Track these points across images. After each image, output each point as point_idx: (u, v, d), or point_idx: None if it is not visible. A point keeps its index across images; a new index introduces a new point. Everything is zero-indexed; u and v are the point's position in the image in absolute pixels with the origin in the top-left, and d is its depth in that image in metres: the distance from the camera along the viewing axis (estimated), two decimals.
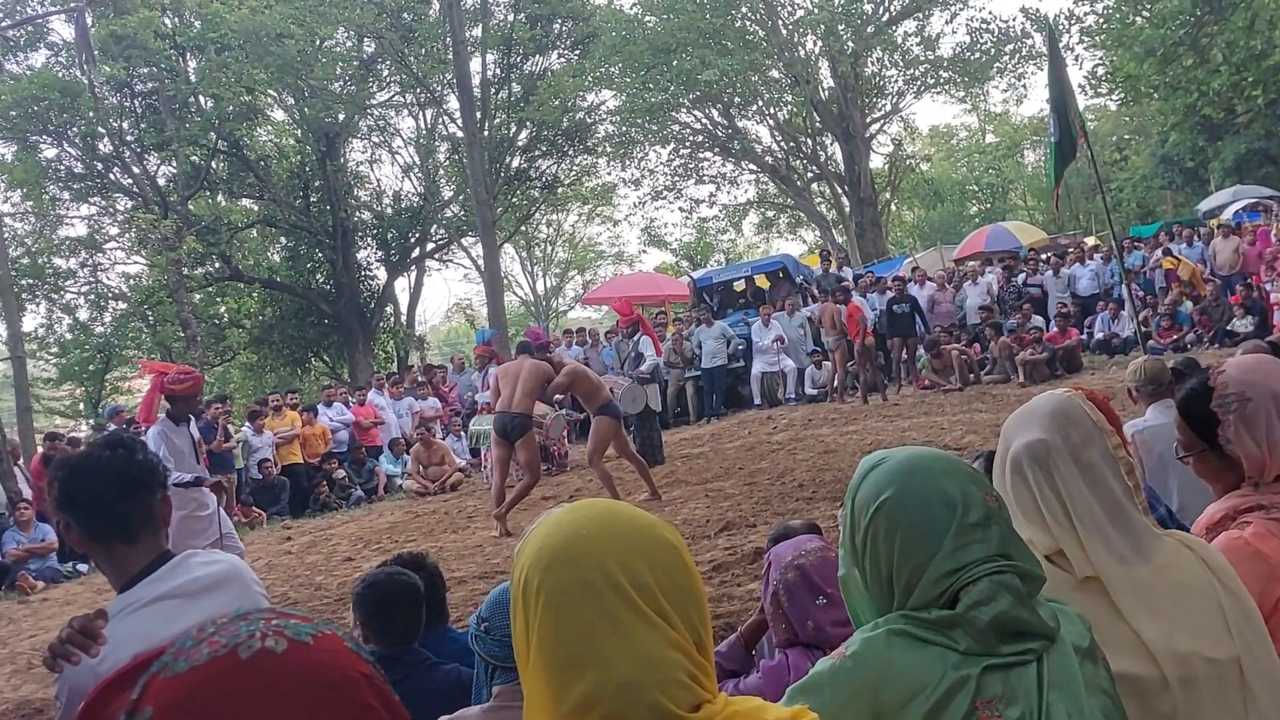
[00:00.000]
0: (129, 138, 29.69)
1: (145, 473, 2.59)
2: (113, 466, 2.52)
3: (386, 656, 3.59)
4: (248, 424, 17.26)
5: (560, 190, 37.62)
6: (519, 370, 11.28)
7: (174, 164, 29.70)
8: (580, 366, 12.32)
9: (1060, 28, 29.53)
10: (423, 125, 35.90)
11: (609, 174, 38.47)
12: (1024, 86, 38.51)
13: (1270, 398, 2.31)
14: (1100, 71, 32.10)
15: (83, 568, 13.83)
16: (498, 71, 33.87)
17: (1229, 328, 17.25)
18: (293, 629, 1.10)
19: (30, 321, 29.84)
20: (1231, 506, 2.33)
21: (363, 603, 3.81)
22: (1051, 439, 2.01)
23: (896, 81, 35.01)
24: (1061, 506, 1.96)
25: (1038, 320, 18.59)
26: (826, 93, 33.98)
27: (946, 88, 35.81)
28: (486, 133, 31.61)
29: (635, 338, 15.99)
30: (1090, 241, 25.21)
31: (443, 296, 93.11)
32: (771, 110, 35.46)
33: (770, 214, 44.54)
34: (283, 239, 34.34)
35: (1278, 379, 2.33)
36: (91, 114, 28.24)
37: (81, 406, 32.13)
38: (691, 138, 36.62)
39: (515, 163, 34.74)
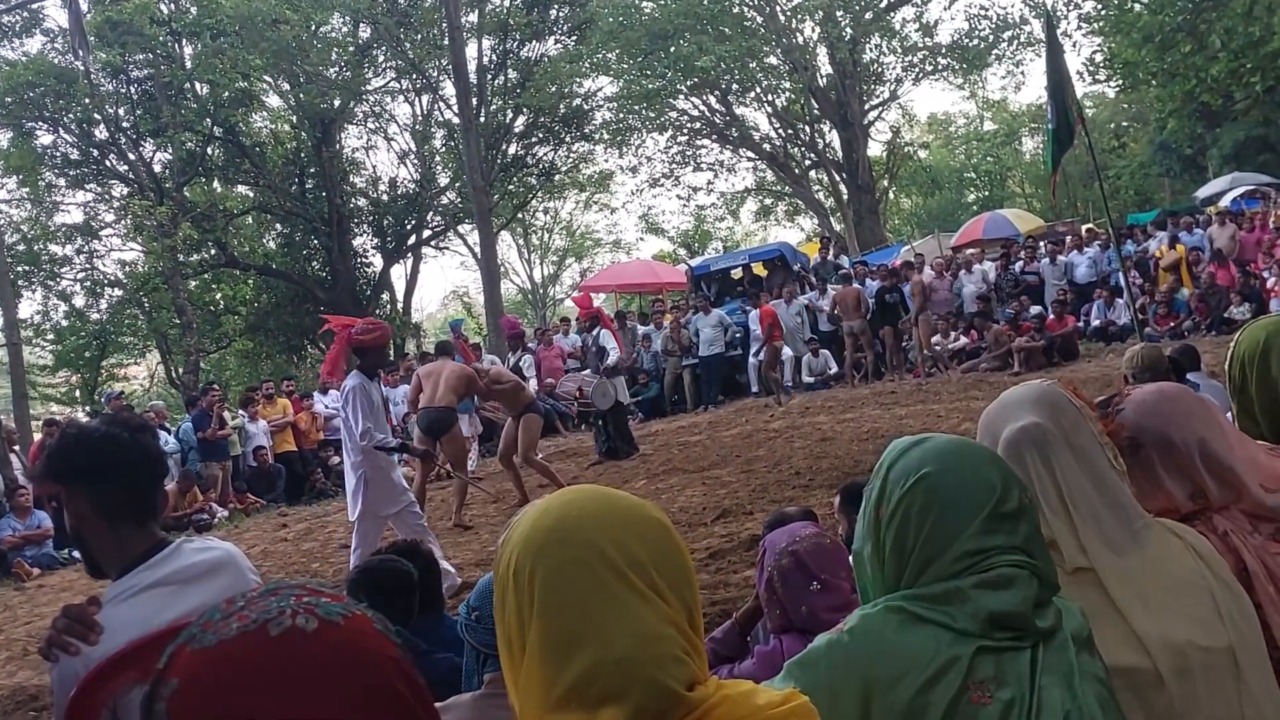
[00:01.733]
0: (125, 124, 29.69)
1: (162, 462, 2.61)
2: (139, 448, 2.51)
3: None
4: (241, 411, 17.25)
5: (557, 177, 37.52)
6: (440, 371, 11.38)
7: (169, 150, 29.73)
8: (500, 370, 12.49)
9: (1058, 14, 29.47)
10: (419, 111, 35.82)
11: (606, 161, 38.43)
12: (1022, 73, 38.48)
13: (1163, 444, 2.18)
14: (1098, 58, 32.04)
15: (79, 554, 13.83)
16: (494, 57, 33.74)
17: (1226, 315, 17.25)
18: (324, 608, 1.09)
19: (26, 308, 29.90)
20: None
21: (354, 589, 3.79)
22: (1045, 423, 1.98)
23: (894, 68, 34.94)
24: (1057, 493, 1.93)
25: (1036, 309, 18.59)
26: (824, 79, 33.90)
27: (944, 74, 35.76)
28: (483, 119, 31.50)
29: (595, 332, 15.97)
30: (1088, 228, 25.19)
31: (439, 284, 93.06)
32: (769, 97, 35.39)
33: (768, 201, 44.50)
34: (278, 225, 34.30)
35: (1173, 421, 2.19)
36: (87, 100, 28.24)
37: (78, 393, 32.11)
38: (689, 125, 36.53)
39: (512, 149, 34.63)
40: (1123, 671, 1.77)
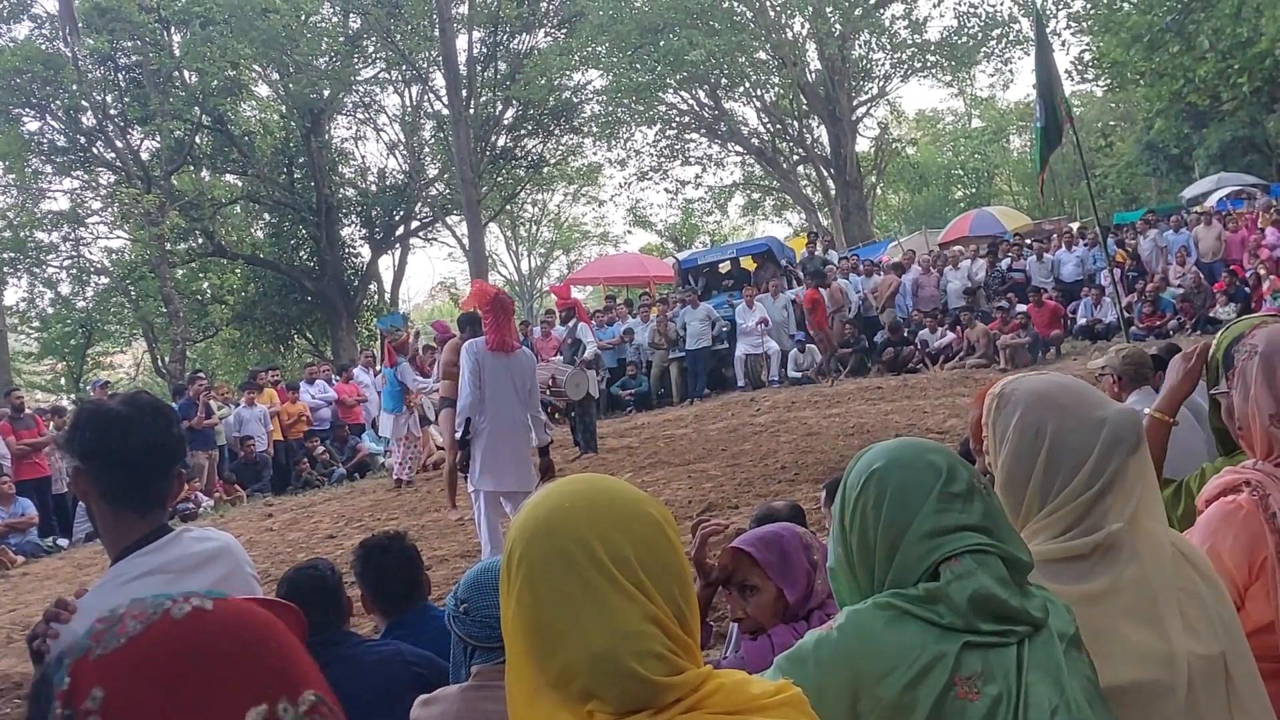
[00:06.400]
0: (112, 111, 29.51)
1: (176, 451, 2.52)
2: (152, 435, 2.44)
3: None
4: (225, 403, 17.21)
5: (546, 170, 37.47)
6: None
7: (157, 138, 29.56)
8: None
9: (1047, 13, 29.50)
10: (408, 102, 35.73)
11: (595, 154, 38.31)
12: (1011, 71, 38.52)
13: None
14: (1087, 57, 32.09)
15: (63, 542, 13.82)
16: (484, 49, 33.69)
17: (1211, 315, 17.32)
18: (205, 594, 1.08)
19: (12, 295, 29.82)
20: (1225, 483, 2.31)
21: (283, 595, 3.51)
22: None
23: (883, 65, 34.90)
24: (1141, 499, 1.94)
25: (1021, 308, 18.65)
26: (813, 75, 33.86)
27: (933, 71, 35.71)
28: (472, 111, 31.45)
29: (572, 324, 15.99)
30: (1076, 227, 25.28)
31: (427, 275, 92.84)
32: (758, 92, 35.35)
33: (756, 196, 44.45)
34: (266, 215, 34.17)
35: None
36: (75, 87, 28.08)
37: (63, 381, 32.01)
38: (678, 119, 36.47)
39: (501, 141, 34.58)
40: (1134, 687, 1.79)
